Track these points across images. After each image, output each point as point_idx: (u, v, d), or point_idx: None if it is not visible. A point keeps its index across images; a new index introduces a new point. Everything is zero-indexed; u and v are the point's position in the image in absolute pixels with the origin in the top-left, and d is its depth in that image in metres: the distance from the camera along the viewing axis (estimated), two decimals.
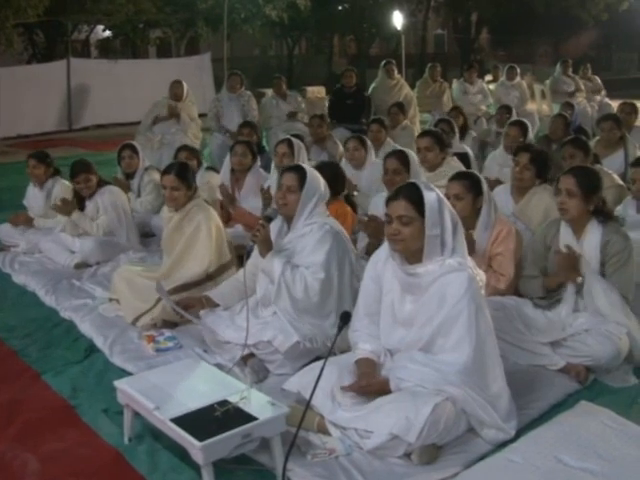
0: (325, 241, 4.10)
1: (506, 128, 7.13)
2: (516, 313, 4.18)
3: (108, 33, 23.67)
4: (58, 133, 16.71)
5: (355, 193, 6.22)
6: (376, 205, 5.40)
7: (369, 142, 6.82)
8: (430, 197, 3.30)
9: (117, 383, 3.32)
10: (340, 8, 29.34)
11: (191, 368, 3.47)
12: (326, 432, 3.34)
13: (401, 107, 9.69)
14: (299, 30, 29.21)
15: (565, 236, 4.22)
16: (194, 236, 4.81)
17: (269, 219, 4.19)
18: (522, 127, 6.98)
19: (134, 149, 6.92)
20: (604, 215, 4.18)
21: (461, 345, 3.24)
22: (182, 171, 4.83)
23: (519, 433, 3.32)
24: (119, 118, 17.21)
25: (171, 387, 3.22)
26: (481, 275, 3.43)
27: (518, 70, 12.85)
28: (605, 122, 7.17)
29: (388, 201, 3.39)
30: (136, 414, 3.36)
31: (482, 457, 3.18)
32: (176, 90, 9.50)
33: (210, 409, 3.00)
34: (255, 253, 4.27)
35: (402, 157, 5.23)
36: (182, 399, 3.12)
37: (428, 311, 3.32)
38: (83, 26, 21.76)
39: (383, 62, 11.91)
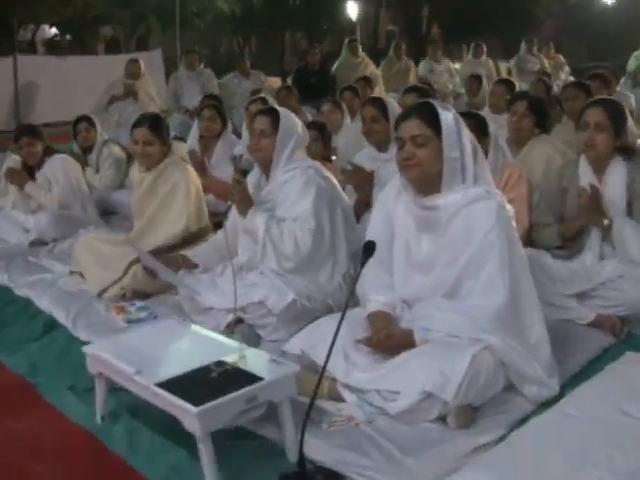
0: (310, 185, 3.61)
1: (491, 87, 6.72)
2: (536, 264, 3.69)
3: (55, 31, 22.83)
4: (5, 133, 15.85)
5: (333, 158, 5.76)
6: (360, 161, 4.92)
7: (344, 106, 6.35)
8: (447, 115, 2.82)
9: (86, 348, 2.76)
10: (292, 3, 28.76)
11: (175, 328, 2.92)
12: (339, 398, 2.82)
13: (368, 81, 9.21)
14: (250, 26, 28.57)
15: (585, 176, 3.76)
16: (170, 196, 4.26)
17: (245, 172, 3.69)
18: (508, 85, 6.56)
19: (90, 121, 6.32)
20: (628, 151, 3.74)
21: (493, 286, 2.75)
22: (155, 123, 4.29)
23: (562, 391, 2.84)
24: (69, 116, 16.06)
25: (153, 349, 2.68)
26: (509, 206, 2.94)
27: (484, 48, 12.50)
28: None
29: (398, 123, 2.89)
30: (109, 390, 2.82)
31: (526, 418, 2.70)
32: (132, 68, 8.94)
33: (204, 370, 2.46)
34: (234, 213, 3.74)
35: (379, 104, 4.72)
36: (168, 362, 2.59)
37: (452, 249, 2.83)
38: (29, 25, 20.91)
39: (347, 40, 11.46)
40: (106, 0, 18.66)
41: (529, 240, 3.98)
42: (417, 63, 12.68)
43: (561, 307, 3.57)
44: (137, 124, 4.32)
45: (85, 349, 2.76)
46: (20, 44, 21.48)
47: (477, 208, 2.80)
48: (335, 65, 11.33)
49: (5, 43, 19.73)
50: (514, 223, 2.91)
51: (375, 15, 30.48)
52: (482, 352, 2.64)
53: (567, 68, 13.93)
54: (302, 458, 2.35)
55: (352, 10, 21.61)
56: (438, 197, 2.85)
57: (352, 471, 2.41)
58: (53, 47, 23.53)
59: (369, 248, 2.53)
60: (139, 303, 3.90)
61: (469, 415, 2.65)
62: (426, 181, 2.85)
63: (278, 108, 3.81)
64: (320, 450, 2.50)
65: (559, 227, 3.83)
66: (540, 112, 4.83)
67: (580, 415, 2.53)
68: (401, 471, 2.40)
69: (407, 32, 34.06)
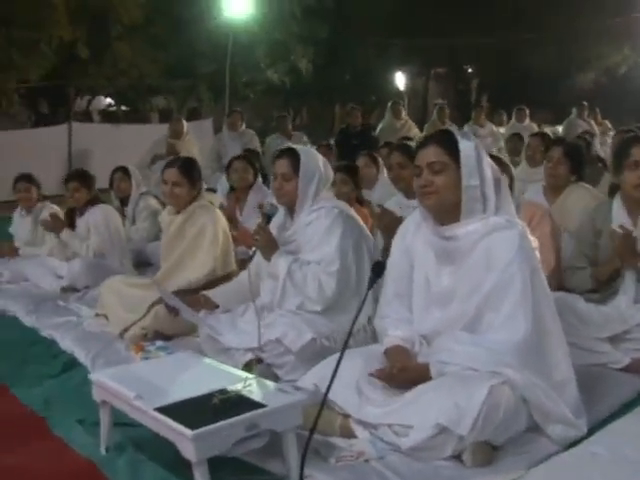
0: (336, 227, 3.52)
1: (528, 140, 6.62)
2: (567, 307, 3.55)
3: (109, 100, 23.54)
4: (58, 197, 16.19)
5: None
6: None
7: (381, 160, 6.31)
8: (466, 144, 2.75)
9: (93, 375, 2.70)
10: (341, 75, 29.19)
11: (186, 361, 2.85)
12: (351, 435, 2.70)
13: (410, 140, 9.23)
14: (301, 98, 28.99)
15: (619, 217, 3.63)
16: (197, 239, 4.24)
17: (268, 217, 3.62)
18: (544, 137, 6.46)
19: (126, 172, 6.40)
20: None
21: (515, 319, 2.63)
22: (186, 165, 4.30)
23: (591, 433, 2.66)
24: None
25: (159, 378, 2.61)
26: (532, 237, 2.84)
27: (527, 112, 12.46)
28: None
29: (416, 151, 2.84)
30: (117, 424, 2.75)
31: (549, 459, 2.53)
32: (175, 127, 9.10)
33: (206, 398, 2.37)
34: (259, 257, 3.69)
35: (406, 150, 4.69)
36: (172, 389, 2.51)
37: (472, 280, 2.72)
38: (85, 95, 21.61)
39: (390, 102, 11.51)
40: (159, 71, 19.17)
41: (560, 284, 3.85)
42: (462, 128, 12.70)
43: (594, 351, 3.42)
44: (169, 165, 4.35)
45: (92, 376, 2.71)
46: (76, 114, 22.20)
47: (498, 237, 2.71)
48: (379, 127, 11.38)
49: (61, 112, 20.44)
50: (538, 254, 2.80)
51: (424, 87, 30.82)
52: (501, 386, 2.50)
53: (612, 132, 13.85)
54: None
55: (400, 81, 21.85)
56: (457, 226, 2.76)
57: None
58: (108, 116, 24.26)
59: (378, 268, 2.44)
60: (159, 343, 3.85)
61: (487, 453, 2.50)
62: (445, 209, 2.77)
63: (297, 147, 3.73)
64: None
65: (593, 270, 3.69)
66: (576, 159, 4.74)
67: (607, 454, 2.36)
68: None
69: (456, 105, 34.30)
